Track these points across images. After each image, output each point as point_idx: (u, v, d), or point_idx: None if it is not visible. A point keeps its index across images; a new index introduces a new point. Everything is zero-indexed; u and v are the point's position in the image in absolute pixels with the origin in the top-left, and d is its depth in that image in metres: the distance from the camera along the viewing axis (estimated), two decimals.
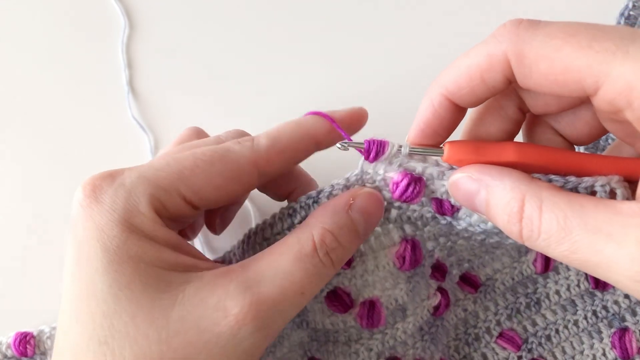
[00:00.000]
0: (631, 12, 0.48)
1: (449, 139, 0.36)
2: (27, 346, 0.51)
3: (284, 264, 0.33)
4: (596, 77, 0.28)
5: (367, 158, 0.35)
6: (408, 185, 0.35)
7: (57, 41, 0.59)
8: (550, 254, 0.30)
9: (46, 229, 0.55)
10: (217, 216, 0.44)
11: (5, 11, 0.60)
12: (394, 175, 0.36)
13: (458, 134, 0.37)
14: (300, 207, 0.37)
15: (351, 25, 0.59)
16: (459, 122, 0.35)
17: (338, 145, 0.36)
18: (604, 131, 0.35)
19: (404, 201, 0.36)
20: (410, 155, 0.35)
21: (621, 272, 0.27)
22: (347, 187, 0.37)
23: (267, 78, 0.58)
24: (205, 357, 0.31)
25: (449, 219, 0.37)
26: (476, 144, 0.34)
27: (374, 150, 0.35)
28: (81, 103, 0.58)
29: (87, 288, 0.32)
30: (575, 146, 0.37)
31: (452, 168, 0.35)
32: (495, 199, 0.31)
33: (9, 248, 0.55)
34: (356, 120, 0.41)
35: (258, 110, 0.57)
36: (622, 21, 0.48)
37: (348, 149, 0.36)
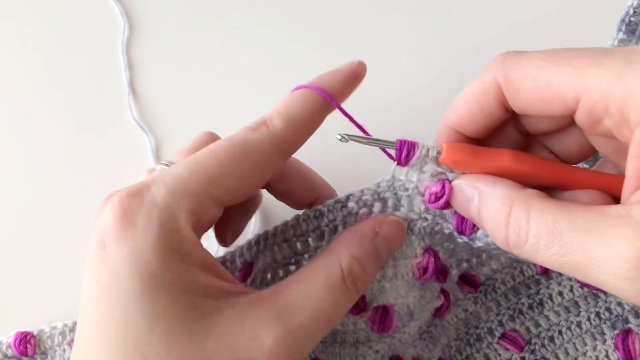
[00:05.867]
0: (632, 19, 0.48)
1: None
2: (28, 346, 0.51)
3: (314, 293, 0.33)
4: (575, 89, 0.30)
5: (398, 157, 0.35)
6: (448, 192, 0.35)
7: (57, 42, 0.59)
8: (538, 260, 0.30)
9: (46, 229, 0.55)
10: (229, 229, 0.43)
11: (5, 12, 0.60)
12: (431, 184, 0.36)
13: None
14: (328, 210, 0.37)
15: (356, 27, 0.59)
16: None
17: (338, 136, 0.35)
18: (593, 150, 0.36)
19: (442, 208, 0.36)
20: (437, 159, 0.35)
21: (611, 270, 0.27)
22: (377, 192, 0.37)
23: (268, 78, 0.58)
24: None
25: (465, 239, 0.38)
26: (474, 147, 0.35)
27: (405, 150, 0.35)
28: (81, 104, 0.57)
29: (118, 315, 0.31)
30: None
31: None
32: (487, 206, 0.32)
33: (9, 248, 0.54)
34: (355, 79, 0.39)
35: (259, 111, 0.57)
36: (623, 28, 0.48)
37: (348, 141, 0.35)
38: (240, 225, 0.44)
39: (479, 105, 0.34)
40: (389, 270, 0.38)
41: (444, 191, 0.35)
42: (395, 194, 0.37)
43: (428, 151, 0.35)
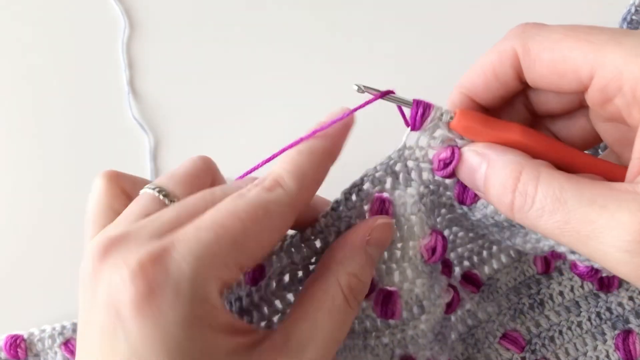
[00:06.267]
0: (634, 17, 0.49)
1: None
2: (18, 349, 0.50)
3: (321, 324, 0.33)
4: (590, 65, 0.30)
5: (413, 117, 0.35)
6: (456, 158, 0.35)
7: (58, 41, 0.59)
8: (541, 227, 0.30)
9: (44, 229, 0.54)
10: None
11: (5, 11, 0.60)
12: (440, 150, 0.36)
13: None
14: (346, 202, 0.37)
15: (355, 32, 0.59)
16: None
17: (354, 86, 0.35)
18: (597, 139, 0.36)
19: (449, 176, 0.36)
20: (449, 124, 0.36)
21: (611, 242, 0.27)
22: (389, 166, 0.37)
23: (268, 78, 0.58)
24: None
25: (465, 209, 0.38)
26: (485, 116, 0.35)
27: (421, 110, 0.35)
28: (81, 103, 0.58)
29: None
30: None
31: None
32: (495, 171, 0.33)
33: (6, 248, 0.54)
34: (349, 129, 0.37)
35: (259, 110, 0.57)
36: (625, 26, 0.49)
37: (364, 92, 0.35)
38: None
39: (495, 73, 0.34)
40: (397, 252, 0.38)
41: (453, 157, 0.35)
42: (406, 165, 0.37)
43: (442, 115, 0.35)
